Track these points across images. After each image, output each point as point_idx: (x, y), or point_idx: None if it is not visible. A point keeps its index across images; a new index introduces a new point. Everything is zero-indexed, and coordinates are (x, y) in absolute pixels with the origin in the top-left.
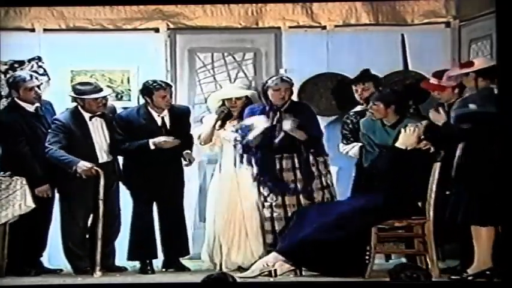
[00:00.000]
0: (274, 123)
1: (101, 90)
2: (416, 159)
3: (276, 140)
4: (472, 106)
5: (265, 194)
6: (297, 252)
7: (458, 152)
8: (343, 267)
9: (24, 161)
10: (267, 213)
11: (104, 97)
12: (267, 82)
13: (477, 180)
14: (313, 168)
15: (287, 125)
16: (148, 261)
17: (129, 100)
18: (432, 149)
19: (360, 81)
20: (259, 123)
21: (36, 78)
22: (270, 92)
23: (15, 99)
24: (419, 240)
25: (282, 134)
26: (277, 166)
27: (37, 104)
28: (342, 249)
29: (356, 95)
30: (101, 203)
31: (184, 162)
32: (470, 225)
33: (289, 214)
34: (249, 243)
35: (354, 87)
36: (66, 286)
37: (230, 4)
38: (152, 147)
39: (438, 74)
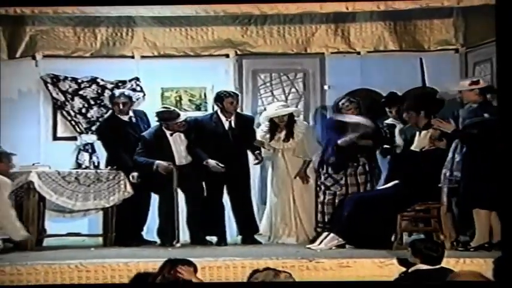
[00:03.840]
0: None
1: (178, 115)
2: (429, 156)
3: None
4: (486, 115)
5: (324, 182)
6: (347, 230)
7: (459, 151)
8: (376, 241)
9: (123, 160)
10: (321, 197)
11: (183, 120)
12: (338, 104)
13: (478, 174)
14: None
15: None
16: (221, 236)
17: (206, 110)
18: (442, 147)
19: (388, 105)
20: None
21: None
22: (343, 111)
23: (114, 112)
24: (435, 220)
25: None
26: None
27: (130, 115)
28: (374, 226)
29: (389, 114)
30: (175, 192)
31: (255, 161)
32: (471, 209)
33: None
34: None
35: (387, 108)
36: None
37: (285, 36)
38: (205, 163)
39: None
